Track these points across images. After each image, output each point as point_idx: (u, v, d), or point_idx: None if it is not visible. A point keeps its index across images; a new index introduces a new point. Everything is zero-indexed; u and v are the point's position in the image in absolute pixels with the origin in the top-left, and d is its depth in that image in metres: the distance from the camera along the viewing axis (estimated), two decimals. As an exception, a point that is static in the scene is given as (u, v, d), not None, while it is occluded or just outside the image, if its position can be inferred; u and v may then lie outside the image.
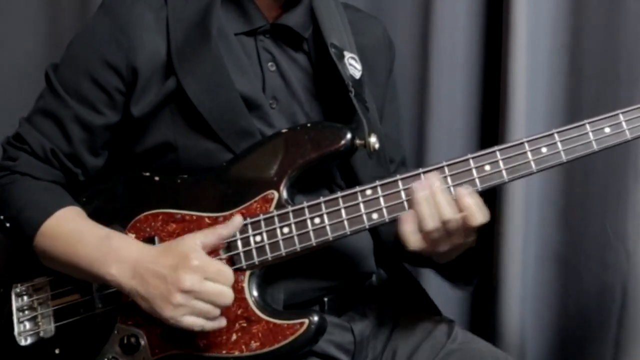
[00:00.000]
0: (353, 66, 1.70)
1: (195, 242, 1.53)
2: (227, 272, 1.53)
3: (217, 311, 1.52)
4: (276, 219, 1.58)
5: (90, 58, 1.66)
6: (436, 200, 1.50)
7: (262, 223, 1.59)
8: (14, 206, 1.64)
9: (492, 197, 2.08)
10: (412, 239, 1.52)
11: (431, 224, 1.50)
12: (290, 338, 1.55)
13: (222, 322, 1.54)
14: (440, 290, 1.92)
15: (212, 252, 1.58)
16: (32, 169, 1.67)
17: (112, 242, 1.57)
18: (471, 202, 1.50)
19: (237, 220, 1.57)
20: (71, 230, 1.60)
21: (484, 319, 2.18)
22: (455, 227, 1.51)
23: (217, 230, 1.56)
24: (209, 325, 1.52)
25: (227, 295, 1.52)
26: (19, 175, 1.67)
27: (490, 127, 2.12)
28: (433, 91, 2.14)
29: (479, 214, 1.50)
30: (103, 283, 1.58)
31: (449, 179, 1.54)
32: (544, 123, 2.03)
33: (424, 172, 1.56)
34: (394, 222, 1.55)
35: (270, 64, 1.70)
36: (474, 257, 1.65)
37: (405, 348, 1.73)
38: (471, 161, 1.56)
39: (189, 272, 1.49)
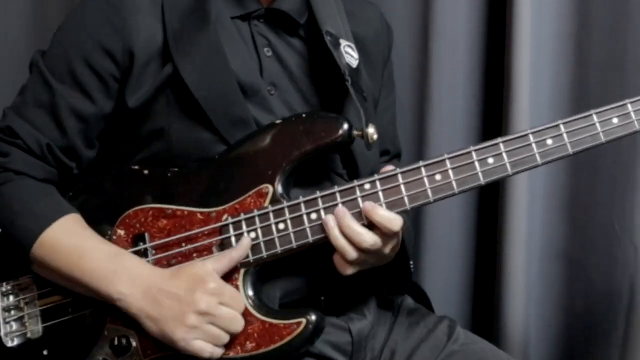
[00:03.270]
0: (350, 54, 1.67)
1: (208, 268, 1.52)
2: (240, 298, 1.53)
3: (228, 338, 1.51)
4: (271, 215, 1.55)
5: (84, 42, 1.61)
6: (347, 234, 1.51)
7: (257, 219, 1.55)
8: (10, 211, 1.59)
9: (495, 191, 2.06)
10: (342, 268, 1.54)
11: (352, 255, 1.52)
12: (287, 339, 1.52)
13: (225, 350, 1.53)
14: (441, 290, 1.91)
15: (205, 250, 1.56)
16: (27, 167, 1.62)
17: (122, 261, 1.54)
18: (381, 215, 1.51)
19: (246, 240, 1.54)
20: (74, 244, 1.56)
21: (487, 318, 2.16)
22: (376, 249, 1.52)
23: (227, 255, 1.54)
24: (218, 352, 1.51)
25: (240, 321, 1.52)
26: (13, 174, 1.61)
27: (493, 118, 2.10)
28: (434, 80, 2.11)
29: (393, 222, 1.51)
30: (109, 302, 1.55)
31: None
32: (549, 113, 2.02)
33: (425, 166, 1.53)
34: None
35: (266, 49, 1.67)
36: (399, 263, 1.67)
37: (404, 349, 1.71)
38: (474, 154, 1.53)
39: (206, 294, 1.49)
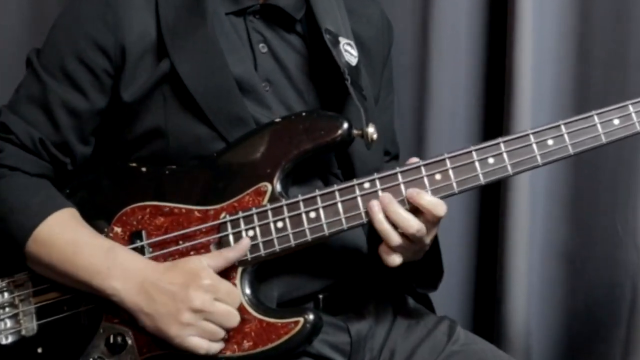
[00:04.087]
0: (349, 52, 1.66)
1: (202, 263, 1.51)
2: (236, 293, 1.53)
3: (223, 333, 1.51)
4: (270, 213, 1.54)
5: (76, 38, 1.61)
6: (394, 219, 1.50)
7: (255, 217, 1.54)
8: (3, 206, 1.59)
9: (496, 191, 2.05)
10: (389, 258, 1.53)
11: (395, 240, 1.50)
12: (285, 337, 1.51)
13: (223, 345, 1.52)
14: (441, 290, 1.89)
15: (203, 247, 1.55)
16: (21, 162, 1.61)
17: (116, 255, 1.54)
18: (427, 200, 1.50)
19: (245, 242, 1.53)
20: (68, 239, 1.55)
21: (487, 318, 2.16)
22: (421, 235, 1.51)
23: (223, 254, 1.53)
24: (214, 347, 1.50)
25: (235, 316, 1.51)
26: (7, 169, 1.61)
27: (494, 117, 2.09)
28: (434, 79, 2.10)
29: (439, 206, 1.51)
30: (103, 296, 1.54)
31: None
32: (550, 112, 2.01)
33: (424, 165, 1.52)
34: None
35: (261, 45, 1.66)
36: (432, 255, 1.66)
37: (404, 349, 1.69)
38: (474, 154, 1.52)
39: (200, 290, 1.48)
